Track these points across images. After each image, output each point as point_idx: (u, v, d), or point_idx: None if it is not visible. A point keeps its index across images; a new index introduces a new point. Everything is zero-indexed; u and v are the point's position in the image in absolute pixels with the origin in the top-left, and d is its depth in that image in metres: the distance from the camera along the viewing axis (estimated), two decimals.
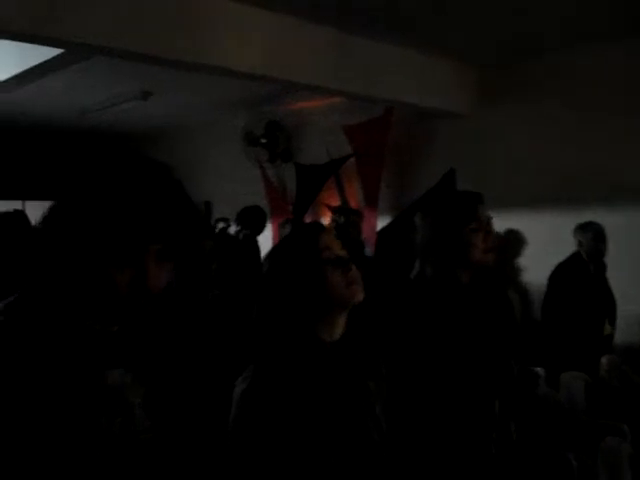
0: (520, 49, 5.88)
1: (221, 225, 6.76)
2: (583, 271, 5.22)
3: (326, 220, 6.85)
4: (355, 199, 7.35)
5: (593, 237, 5.18)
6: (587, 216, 5.37)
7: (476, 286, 2.38)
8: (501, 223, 6.28)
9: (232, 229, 6.15)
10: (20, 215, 3.61)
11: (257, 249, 5.97)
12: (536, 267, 5.87)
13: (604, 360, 4.80)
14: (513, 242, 6.42)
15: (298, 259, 1.78)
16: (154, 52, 4.45)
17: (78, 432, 1.30)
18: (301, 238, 1.85)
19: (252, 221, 6.17)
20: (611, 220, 5.29)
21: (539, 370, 4.80)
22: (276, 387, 1.66)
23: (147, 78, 6.71)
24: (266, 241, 6.56)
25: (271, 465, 1.62)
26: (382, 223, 6.94)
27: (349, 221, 6.24)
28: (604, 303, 5.26)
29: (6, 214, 3.65)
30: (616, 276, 5.27)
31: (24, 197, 9.07)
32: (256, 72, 5.05)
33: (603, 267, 5.28)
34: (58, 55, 4.62)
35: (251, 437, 1.64)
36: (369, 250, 6.52)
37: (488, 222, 2.40)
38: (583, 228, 5.23)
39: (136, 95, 7.41)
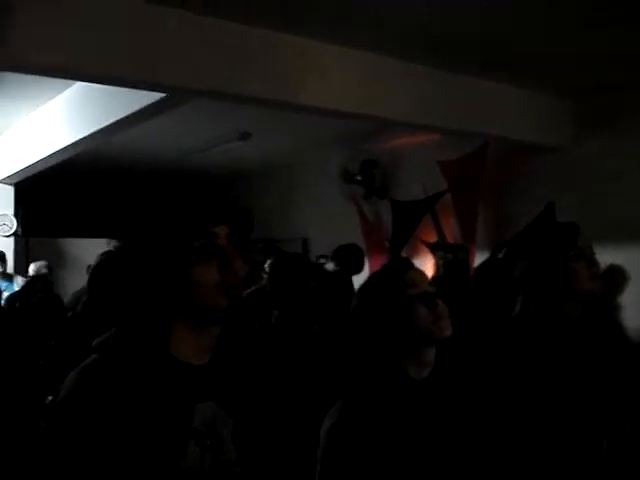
0: (616, 76, 5.72)
1: (322, 261, 6.81)
2: None
3: (427, 257, 6.81)
4: (452, 235, 7.28)
5: None
6: None
7: (588, 320, 2.29)
8: (603, 258, 6.12)
9: (329, 266, 6.19)
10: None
11: (352, 287, 5.98)
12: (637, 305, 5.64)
13: None
14: (615, 278, 6.20)
15: (385, 295, 1.79)
16: (252, 94, 4.58)
17: (166, 465, 1.34)
18: (388, 274, 1.86)
19: (348, 259, 6.19)
20: None
21: None
22: (364, 423, 1.67)
23: (246, 119, 6.90)
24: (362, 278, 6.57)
25: None
26: (480, 259, 6.84)
27: (457, 258, 6.16)
28: None
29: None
30: None
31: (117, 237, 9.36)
32: (351, 111, 5.12)
33: None
34: (160, 99, 4.81)
35: (337, 473, 1.64)
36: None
37: (590, 249, 2.33)
38: None
39: (236, 136, 7.61)
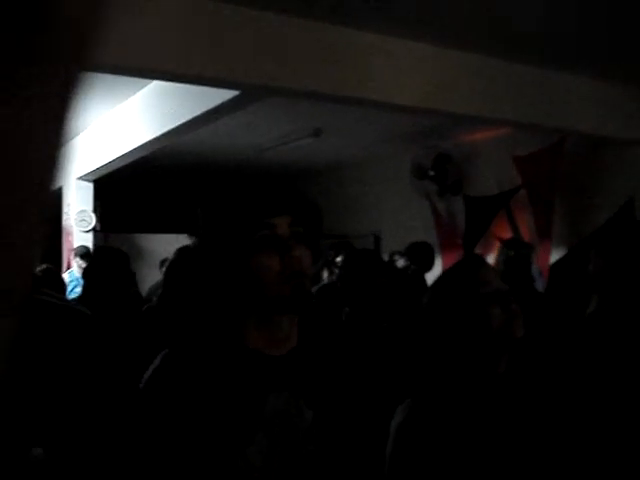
0: None
1: (396, 258, 6.79)
2: None
3: (494, 253, 6.73)
4: (527, 231, 7.16)
5: None
6: None
7: None
8: None
9: (400, 263, 6.16)
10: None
11: (424, 285, 5.95)
12: None
13: None
14: None
15: (457, 294, 1.77)
16: (325, 90, 4.61)
17: (233, 451, 1.37)
18: (460, 272, 1.84)
19: (420, 257, 6.16)
20: None
21: None
22: (434, 420, 1.66)
23: (319, 115, 6.92)
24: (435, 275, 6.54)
25: None
26: (556, 256, 6.72)
27: (519, 254, 6.07)
28: None
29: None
30: None
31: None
32: (424, 107, 5.09)
33: None
34: (234, 97, 4.86)
35: (406, 470, 1.64)
36: (541, 284, 6.32)
37: None
38: None
39: (309, 132, 7.65)
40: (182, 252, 3.66)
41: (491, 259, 6.17)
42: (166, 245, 9.03)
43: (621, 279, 2.22)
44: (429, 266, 6.24)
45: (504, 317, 1.74)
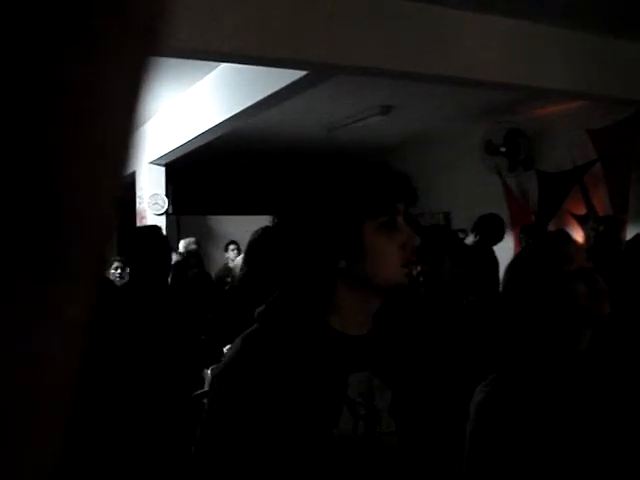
0: None
1: (461, 236, 6.72)
2: None
3: (576, 229, 6.60)
4: (602, 206, 7.00)
5: None
6: None
7: None
8: None
9: (469, 239, 6.09)
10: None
11: (494, 258, 5.87)
12: None
13: None
14: None
15: (540, 271, 1.74)
16: (395, 67, 4.57)
17: (318, 432, 1.37)
18: (544, 248, 1.80)
19: (489, 229, 6.07)
20: None
21: None
22: (516, 398, 1.64)
23: (387, 93, 6.87)
24: (505, 251, 6.44)
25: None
26: (633, 231, 6.55)
27: (609, 229, 5.91)
28: None
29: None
30: None
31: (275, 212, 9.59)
32: (495, 80, 5.00)
33: None
34: (302, 77, 4.85)
35: (487, 449, 1.62)
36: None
37: None
38: None
39: (378, 110, 7.61)
40: (263, 232, 3.69)
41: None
42: (236, 227, 9.15)
43: None
44: (499, 238, 6.13)
45: (589, 294, 1.70)
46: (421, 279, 3.10)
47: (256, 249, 3.64)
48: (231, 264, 7.57)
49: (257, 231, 3.77)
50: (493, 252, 6.00)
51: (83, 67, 0.29)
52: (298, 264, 1.47)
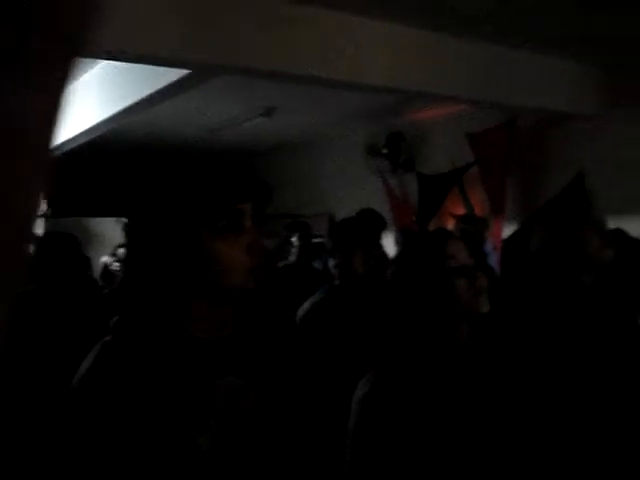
0: None
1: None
2: None
3: (451, 228, 6.78)
4: (480, 207, 7.24)
5: None
6: None
7: (601, 288, 2.30)
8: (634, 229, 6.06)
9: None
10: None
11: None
12: None
13: None
14: None
15: (423, 267, 1.77)
16: (277, 68, 4.56)
17: (185, 441, 1.33)
18: (427, 245, 1.84)
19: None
20: None
21: None
22: (396, 394, 1.66)
23: (271, 94, 6.86)
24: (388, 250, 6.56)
25: (388, 472, 1.62)
26: (509, 231, 6.79)
27: (474, 229, 6.13)
28: None
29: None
30: None
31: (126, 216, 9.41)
32: (377, 84, 5.08)
33: None
34: (185, 76, 4.78)
35: (369, 445, 1.64)
36: (494, 259, 6.39)
37: (602, 219, 2.33)
38: None
39: (261, 111, 7.58)
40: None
41: None
42: (118, 229, 8.91)
43: (558, 250, 2.27)
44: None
45: (470, 291, 1.74)
46: (336, 272, 3.15)
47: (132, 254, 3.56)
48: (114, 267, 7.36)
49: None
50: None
51: (21, 95, 0.34)
52: (146, 271, 1.44)
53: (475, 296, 1.73)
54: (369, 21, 4.84)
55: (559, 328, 2.16)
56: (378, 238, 3.44)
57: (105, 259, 7.41)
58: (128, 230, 1.51)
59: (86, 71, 6.18)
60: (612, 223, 5.47)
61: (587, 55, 5.92)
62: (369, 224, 3.59)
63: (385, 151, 8.27)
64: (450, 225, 7.09)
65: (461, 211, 7.27)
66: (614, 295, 2.44)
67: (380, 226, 6.06)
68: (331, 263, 3.23)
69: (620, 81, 6.23)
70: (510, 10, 4.77)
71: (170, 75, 4.90)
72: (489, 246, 6.45)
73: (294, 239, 5.44)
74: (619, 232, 5.75)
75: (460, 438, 1.66)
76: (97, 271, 7.27)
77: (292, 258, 5.37)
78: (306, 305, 3.12)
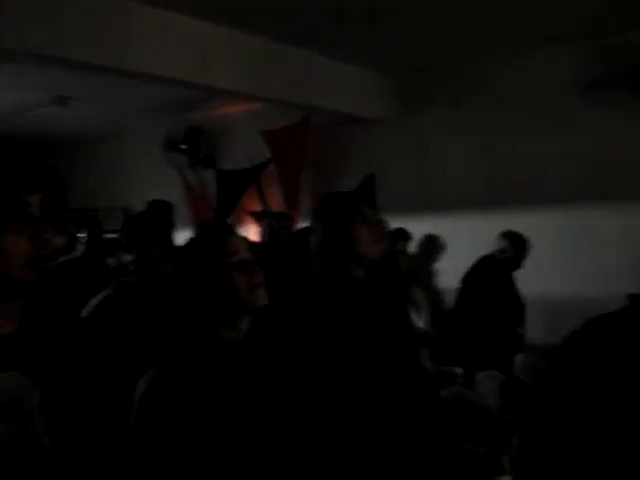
0: (440, 56, 6.02)
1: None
2: (495, 273, 5.36)
3: (254, 226, 6.87)
4: (276, 204, 7.38)
5: (520, 246, 5.34)
6: (505, 221, 5.56)
7: (371, 282, 2.41)
8: (420, 228, 6.44)
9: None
10: None
11: None
12: (456, 271, 5.96)
13: (519, 359, 4.94)
14: (430, 246, 6.56)
15: (203, 261, 1.80)
16: (71, 56, 4.41)
17: None
18: (207, 240, 1.87)
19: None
20: (526, 223, 5.49)
21: (457, 370, 4.91)
22: (176, 387, 1.68)
23: (64, 83, 6.61)
24: None
25: (170, 468, 1.64)
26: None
27: (282, 226, 6.22)
28: (514, 305, 5.42)
29: None
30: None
31: None
32: (176, 78, 5.06)
33: (514, 270, 5.42)
34: None
35: (150, 437, 1.65)
36: None
37: (374, 217, 2.44)
38: (511, 237, 5.38)
39: (53, 100, 7.28)
40: None
41: (243, 232, 6.30)
42: None
43: (331, 245, 2.35)
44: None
45: (248, 286, 1.79)
46: (131, 268, 3.06)
47: None
48: None
49: None
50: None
51: None
52: None
53: (252, 290, 1.78)
54: (176, 15, 4.82)
55: (331, 321, 2.22)
56: (171, 231, 3.39)
57: None
58: None
59: None
60: (397, 221, 5.87)
61: (376, 61, 6.22)
62: (163, 217, 3.54)
63: (184, 146, 8.21)
64: (248, 221, 7.20)
65: (258, 208, 7.38)
66: (385, 288, 2.57)
67: (171, 215, 6.05)
68: (126, 259, 3.15)
69: (405, 87, 6.60)
70: (310, 14, 4.91)
71: None
72: None
73: (82, 234, 5.25)
74: (401, 230, 6.12)
75: (234, 433, 1.70)
76: None
77: (77, 253, 5.17)
78: (93, 302, 3.04)
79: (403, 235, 6.22)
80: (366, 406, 2.21)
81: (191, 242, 1.96)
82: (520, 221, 5.53)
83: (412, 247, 6.47)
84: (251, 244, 1.95)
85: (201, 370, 1.73)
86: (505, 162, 6.01)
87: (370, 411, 2.22)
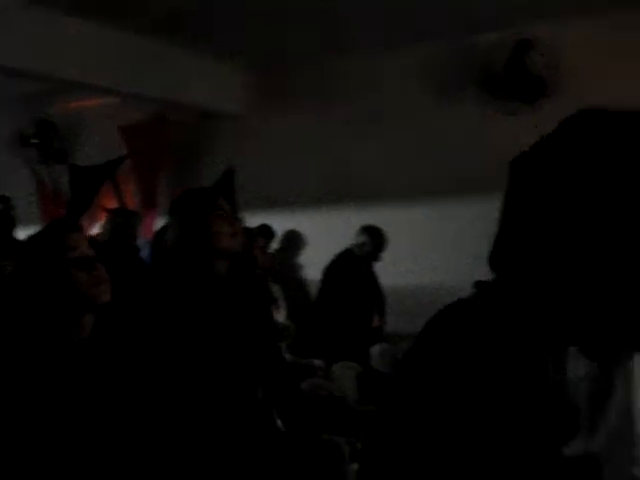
0: (292, 54, 6.07)
1: None
2: (353, 267, 5.47)
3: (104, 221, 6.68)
4: (132, 201, 7.22)
5: (377, 240, 5.46)
6: (359, 216, 5.67)
7: (233, 277, 2.40)
8: (282, 223, 6.47)
9: None
10: None
11: None
12: (316, 265, 6.01)
13: (375, 350, 5.06)
14: (291, 241, 6.61)
15: (43, 258, 1.74)
16: None
17: None
18: (46, 236, 1.81)
19: None
20: (378, 219, 5.62)
21: (317, 362, 4.98)
22: (13, 387, 1.63)
23: None
24: None
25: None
26: (162, 224, 6.85)
27: (127, 223, 6.08)
28: (373, 297, 5.55)
29: None
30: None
31: None
32: (21, 68, 4.87)
33: (373, 263, 5.56)
34: None
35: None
36: (147, 253, 6.42)
37: (230, 210, 2.44)
38: (369, 231, 5.50)
39: None
40: None
41: (98, 228, 6.17)
42: None
43: (189, 241, 2.33)
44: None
45: (90, 282, 1.75)
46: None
47: None
48: None
49: None
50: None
51: None
52: None
53: (94, 286, 1.74)
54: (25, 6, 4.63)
55: (194, 317, 2.20)
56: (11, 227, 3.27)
57: None
58: None
59: None
60: (258, 217, 5.89)
61: (236, 57, 6.21)
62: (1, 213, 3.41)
63: (35, 140, 7.91)
64: (102, 218, 7.01)
65: (114, 205, 7.19)
66: (243, 284, 2.58)
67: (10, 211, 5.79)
68: None
69: (265, 83, 6.62)
70: (170, 7, 4.84)
71: None
72: (142, 239, 6.46)
73: None
74: (264, 227, 6.13)
75: (69, 435, 1.66)
76: None
77: None
78: None
79: (266, 232, 6.21)
80: (222, 399, 2.21)
81: (30, 239, 1.89)
82: (374, 215, 5.66)
83: (275, 244, 6.50)
84: (91, 240, 1.91)
85: (40, 369, 1.68)
86: (345, 159, 6.13)
87: (226, 404, 2.21)
